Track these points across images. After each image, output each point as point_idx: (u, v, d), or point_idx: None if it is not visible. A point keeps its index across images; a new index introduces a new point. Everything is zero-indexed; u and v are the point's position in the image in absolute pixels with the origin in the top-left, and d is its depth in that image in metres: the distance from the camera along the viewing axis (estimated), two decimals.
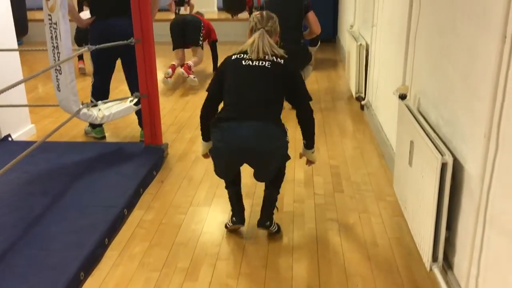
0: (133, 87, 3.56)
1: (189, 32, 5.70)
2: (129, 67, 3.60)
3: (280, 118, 2.42)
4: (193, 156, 3.57)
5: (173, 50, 5.79)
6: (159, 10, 11.18)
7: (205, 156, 2.66)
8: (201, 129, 2.58)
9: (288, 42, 4.43)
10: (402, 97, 2.64)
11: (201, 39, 5.74)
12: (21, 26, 4.91)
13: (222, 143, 2.32)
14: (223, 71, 2.48)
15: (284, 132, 2.41)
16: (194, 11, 6.62)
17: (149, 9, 3.28)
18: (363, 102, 4.42)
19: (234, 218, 2.54)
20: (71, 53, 2.89)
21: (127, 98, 3.38)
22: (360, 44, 4.40)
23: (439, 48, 2.26)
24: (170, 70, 5.56)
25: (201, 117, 2.56)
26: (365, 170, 3.32)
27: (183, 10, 9.90)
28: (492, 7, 1.65)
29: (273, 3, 4.59)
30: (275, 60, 2.38)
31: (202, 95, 5.13)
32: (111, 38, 3.34)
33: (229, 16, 9.24)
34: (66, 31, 2.83)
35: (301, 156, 2.69)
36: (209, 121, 2.45)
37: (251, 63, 2.37)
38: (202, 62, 5.93)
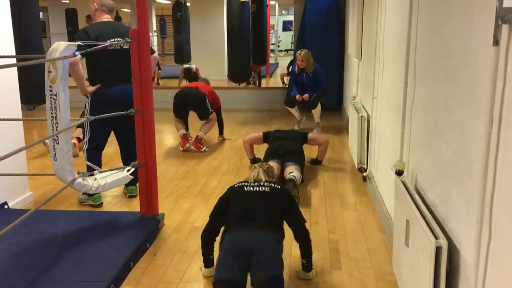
0: (129, 157, 3.58)
1: (196, 109, 5.86)
2: (126, 136, 3.69)
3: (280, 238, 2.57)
4: (189, 227, 3.49)
5: (176, 117, 5.89)
6: (167, 78, 11.48)
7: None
8: (203, 254, 2.79)
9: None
10: (399, 173, 2.58)
11: (210, 108, 5.83)
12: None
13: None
14: (227, 198, 2.77)
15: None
16: (201, 78, 6.73)
17: (150, 79, 3.35)
18: (364, 174, 4.37)
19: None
20: (69, 124, 2.91)
21: (124, 167, 3.37)
22: (362, 116, 4.41)
23: (433, 125, 2.23)
24: (181, 146, 5.78)
25: (203, 241, 2.77)
26: (365, 246, 3.20)
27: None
28: (478, 91, 1.64)
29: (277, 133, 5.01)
30: (272, 185, 2.75)
31: (204, 164, 5.19)
32: (114, 105, 3.46)
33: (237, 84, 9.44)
34: (65, 103, 2.87)
35: (299, 277, 2.82)
36: (210, 245, 2.74)
37: (252, 189, 2.70)
38: (214, 125, 6.01)
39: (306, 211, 3.82)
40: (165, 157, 5.49)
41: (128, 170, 3.35)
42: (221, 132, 6.21)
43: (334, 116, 7.73)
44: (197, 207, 3.92)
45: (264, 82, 11.91)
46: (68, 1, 12.94)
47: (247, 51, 6.92)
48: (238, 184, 2.78)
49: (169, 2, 13.64)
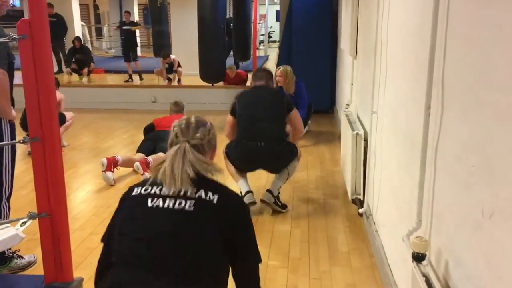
0: None
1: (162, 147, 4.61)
2: None
3: None
4: None
5: (136, 152, 4.70)
6: (146, 72, 10.31)
7: None
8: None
9: (268, 142, 3.48)
10: (418, 258, 1.59)
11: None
12: None
13: None
14: (119, 210, 1.64)
15: None
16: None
17: (52, 91, 2.32)
18: (360, 210, 3.37)
19: None
20: None
21: (17, 219, 2.35)
22: (357, 134, 3.41)
23: (488, 197, 1.24)
24: (104, 160, 4.23)
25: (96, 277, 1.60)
26: None
27: (172, 77, 9.15)
28: None
29: (246, 97, 3.65)
30: (203, 196, 1.48)
31: None
32: None
33: None
34: None
35: None
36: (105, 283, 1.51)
37: (161, 204, 1.48)
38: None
39: (281, 266, 2.84)
40: (116, 177, 4.47)
41: (23, 224, 2.34)
42: None
43: (325, 120, 6.72)
44: None
45: (250, 77, 10.86)
46: None
47: (222, 46, 5.88)
48: (138, 190, 1.57)
49: None
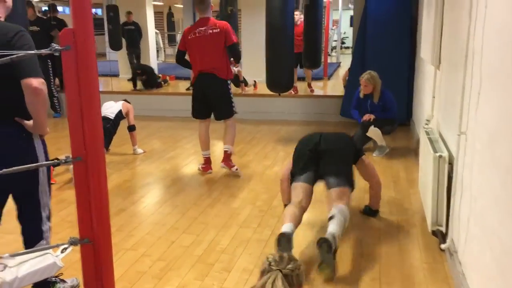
0: (29, 240, 2.41)
1: (216, 102, 4.65)
2: (21, 204, 2.43)
3: None
4: None
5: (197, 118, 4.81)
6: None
7: None
8: None
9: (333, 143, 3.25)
10: None
11: (233, 104, 4.67)
12: None
13: None
14: None
15: None
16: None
17: (97, 105, 2.13)
18: (443, 246, 2.91)
19: None
20: None
21: (57, 245, 2.17)
22: (440, 156, 2.96)
23: None
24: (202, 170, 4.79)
25: None
26: None
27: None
28: None
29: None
30: None
31: (220, 206, 3.83)
32: None
33: None
34: None
35: None
36: None
37: None
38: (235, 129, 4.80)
39: None
40: (176, 191, 4.29)
41: (64, 250, 2.15)
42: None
43: (401, 133, 6.20)
44: (189, 286, 2.67)
45: (321, 85, 10.49)
46: None
47: (290, 55, 5.57)
48: None
49: None
